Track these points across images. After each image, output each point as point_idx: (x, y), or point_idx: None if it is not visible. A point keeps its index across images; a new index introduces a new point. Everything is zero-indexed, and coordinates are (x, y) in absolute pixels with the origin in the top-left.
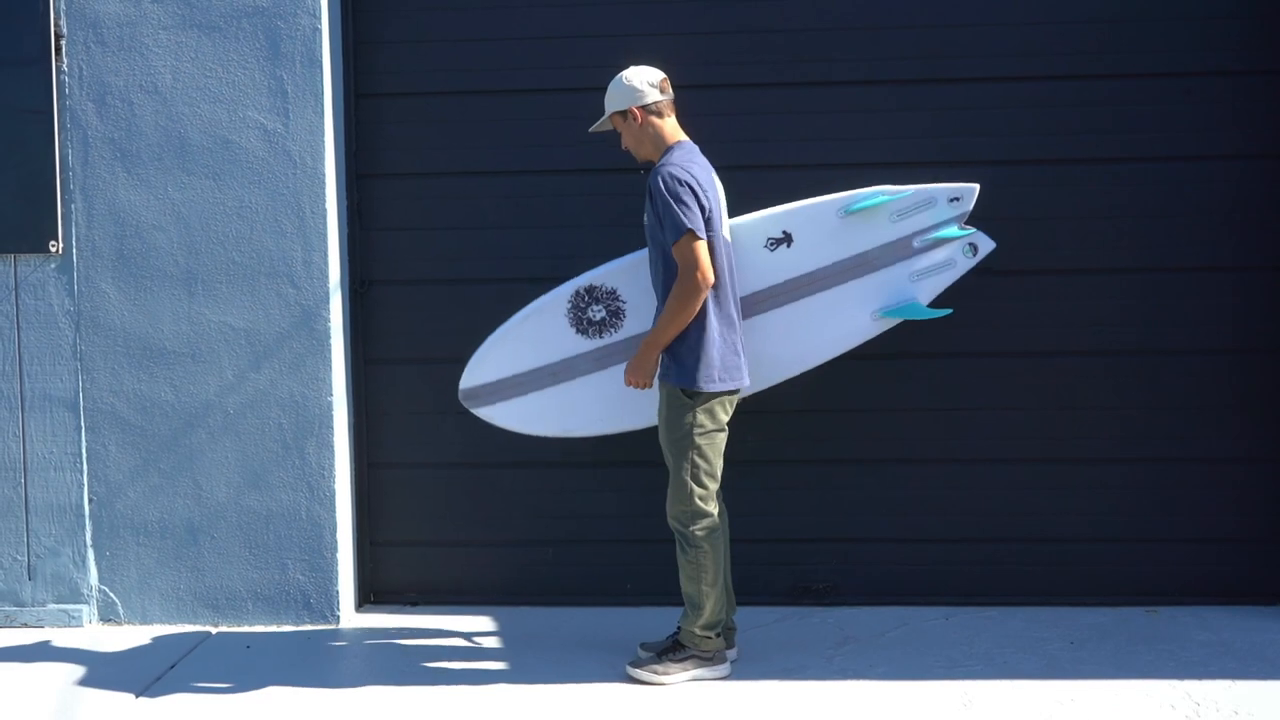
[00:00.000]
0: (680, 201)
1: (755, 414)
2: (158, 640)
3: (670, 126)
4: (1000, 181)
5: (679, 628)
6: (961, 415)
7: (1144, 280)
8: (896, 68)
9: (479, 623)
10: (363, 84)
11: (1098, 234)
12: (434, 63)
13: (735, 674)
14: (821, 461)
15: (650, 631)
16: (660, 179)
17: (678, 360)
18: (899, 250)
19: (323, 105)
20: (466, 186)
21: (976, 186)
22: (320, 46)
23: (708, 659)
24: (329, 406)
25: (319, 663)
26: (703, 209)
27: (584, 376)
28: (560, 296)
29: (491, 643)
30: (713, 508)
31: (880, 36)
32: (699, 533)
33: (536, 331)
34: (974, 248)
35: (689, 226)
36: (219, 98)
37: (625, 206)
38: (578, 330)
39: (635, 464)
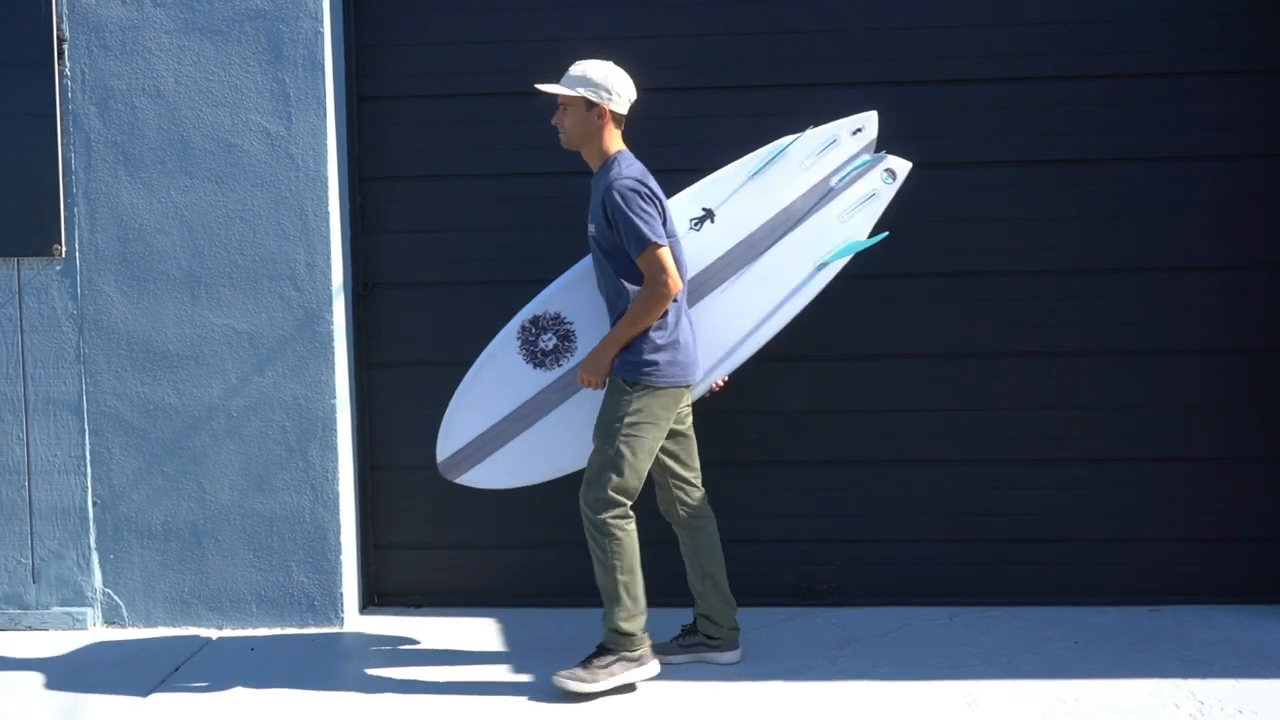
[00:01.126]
0: (644, 212)
1: (757, 414)
2: (162, 643)
3: (617, 136)
4: (998, 183)
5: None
6: (964, 416)
7: (1144, 279)
8: (890, 69)
9: (483, 625)
10: (365, 87)
11: (1097, 234)
12: (437, 65)
13: (740, 674)
14: (824, 462)
15: (657, 631)
16: (618, 194)
17: (624, 354)
18: (819, 194)
19: (325, 108)
20: (470, 189)
21: (875, 113)
22: (322, 49)
23: (635, 660)
24: (332, 409)
25: (323, 666)
26: (662, 217)
27: (555, 410)
28: (508, 336)
29: (495, 645)
30: (627, 501)
31: (880, 36)
32: (610, 520)
33: (495, 378)
34: (892, 173)
35: (654, 237)
36: (221, 101)
37: None
38: (534, 365)
39: None
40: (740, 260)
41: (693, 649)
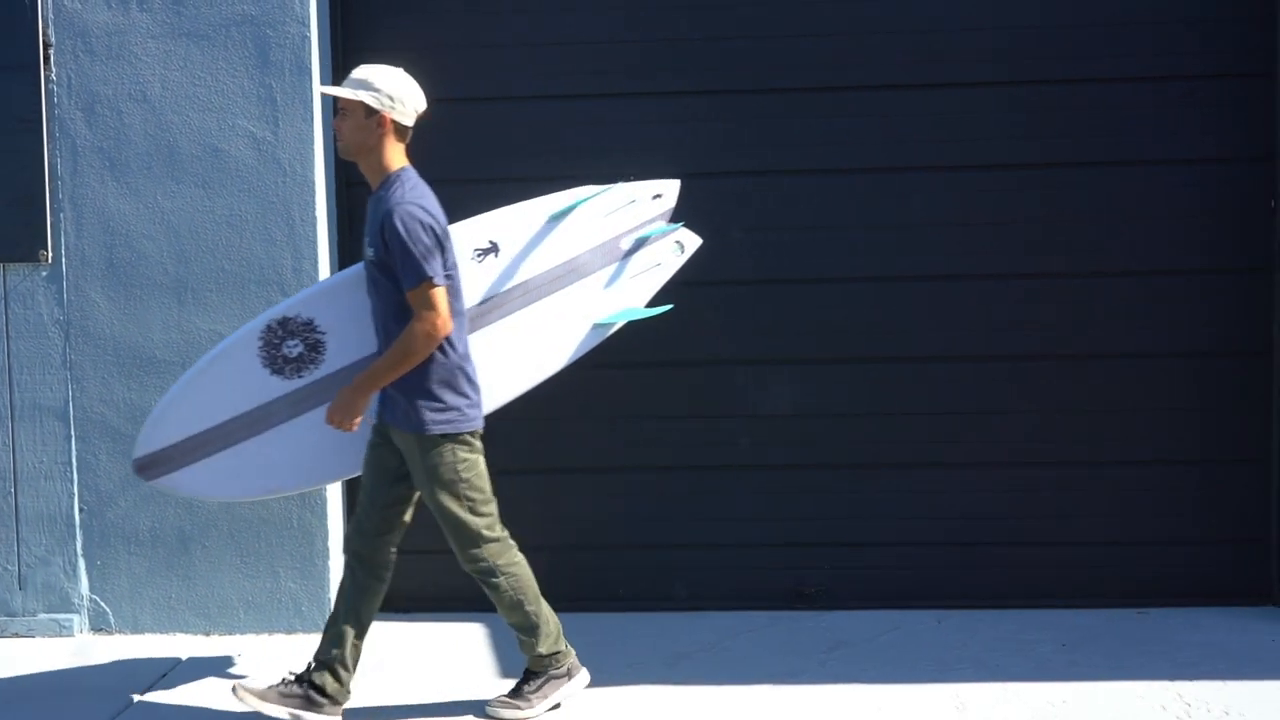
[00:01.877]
0: (421, 244)
1: (746, 418)
2: (149, 650)
3: (400, 151)
4: (989, 186)
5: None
6: (953, 420)
7: (1138, 283)
8: (883, 72)
9: (472, 630)
10: None
11: (1092, 237)
12: (422, 70)
13: (728, 678)
14: (814, 466)
15: (647, 636)
16: (399, 220)
17: (419, 406)
18: (608, 254)
19: (312, 113)
20: (457, 194)
21: (678, 182)
22: (309, 54)
23: (564, 675)
24: None
25: None
26: (443, 250)
27: (284, 423)
28: (249, 334)
29: (485, 650)
30: (499, 532)
31: (877, 39)
32: (499, 562)
33: (223, 378)
34: (681, 245)
35: (429, 273)
36: (208, 106)
37: None
38: (272, 370)
39: (632, 469)
40: (516, 302)
41: (292, 700)
